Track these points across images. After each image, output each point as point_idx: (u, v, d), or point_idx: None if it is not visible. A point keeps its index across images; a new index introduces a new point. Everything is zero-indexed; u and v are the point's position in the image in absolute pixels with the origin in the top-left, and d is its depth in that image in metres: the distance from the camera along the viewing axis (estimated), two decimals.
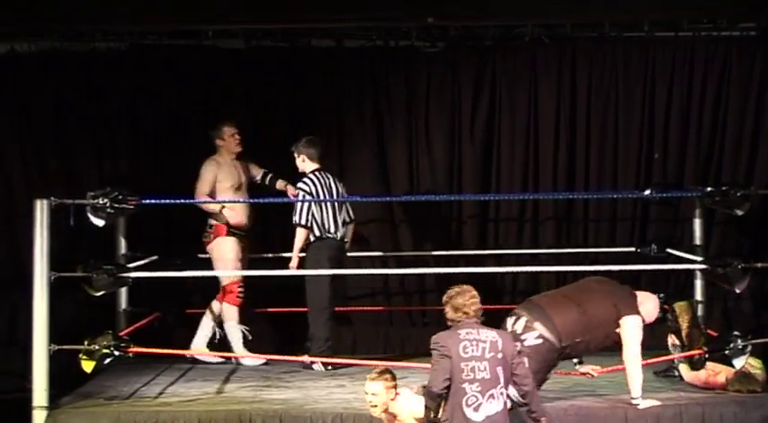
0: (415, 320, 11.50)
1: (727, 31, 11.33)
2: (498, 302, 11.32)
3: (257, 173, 10.60)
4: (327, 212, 9.97)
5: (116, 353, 8.43)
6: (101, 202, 8.64)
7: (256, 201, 10.36)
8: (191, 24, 11.11)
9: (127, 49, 11.37)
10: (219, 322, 10.38)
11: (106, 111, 11.36)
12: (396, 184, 11.46)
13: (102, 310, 10.13)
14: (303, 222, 9.87)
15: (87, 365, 8.42)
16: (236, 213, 10.29)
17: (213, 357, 10.29)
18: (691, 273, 10.47)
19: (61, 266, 8.43)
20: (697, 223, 10.39)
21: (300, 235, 9.91)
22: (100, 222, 8.71)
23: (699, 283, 10.26)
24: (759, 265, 9.10)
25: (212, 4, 10.74)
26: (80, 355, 8.41)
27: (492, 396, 6.95)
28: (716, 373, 8.78)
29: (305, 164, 10.10)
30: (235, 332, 10.29)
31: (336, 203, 10.00)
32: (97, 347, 8.40)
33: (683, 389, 8.90)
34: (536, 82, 11.43)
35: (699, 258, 9.79)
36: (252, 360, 10.22)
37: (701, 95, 11.30)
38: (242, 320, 10.37)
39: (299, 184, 9.99)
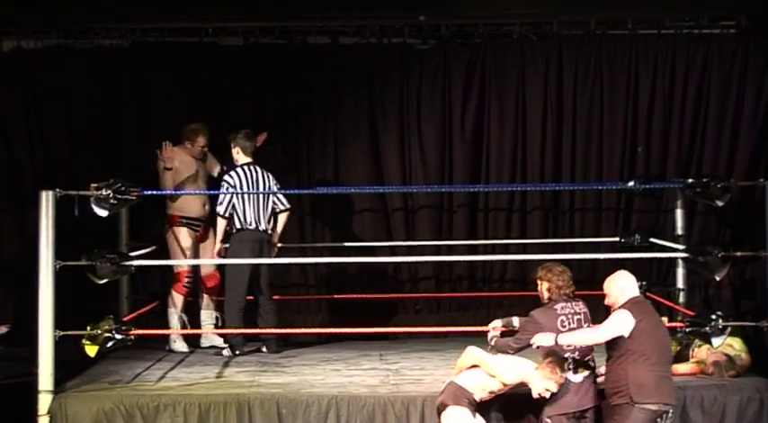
0: (407, 307, 11.45)
1: (708, 29, 11.32)
2: (488, 290, 11.36)
3: (215, 168, 10.52)
4: (249, 206, 9.91)
5: (118, 336, 8.42)
6: (104, 193, 8.59)
7: (205, 193, 10.28)
8: (191, 22, 11.07)
9: (130, 45, 11.33)
10: (184, 310, 10.36)
11: (110, 105, 11.32)
12: (389, 175, 11.41)
13: (105, 298, 10.06)
14: (222, 212, 9.84)
15: (91, 350, 8.41)
16: (188, 204, 10.26)
17: (184, 347, 10.25)
18: (673, 261, 10.47)
19: (66, 255, 8.39)
20: (679, 214, 10.37)
21: (220, 224, 9.86)
22: (103, 213, 8.66)
23: (680, 272, 10.28)
24: (738, 254, 9.12)
25: (212, 3, 10.70)
26: (83, 341, 8.40)
27: (589, 359, 7.69)
28: (699, 367, 8.75)
29: (238, 155, 10.03)
30: (172, 319, 10.27)
31: (262, 198, 9.94)
32: (99, 332, 8.39)
33: None
34: (524, 78, 11.39)
35: (681, 247, 9.80)
36: (182, 345, 10.24)
37: (682, 91, 11.28)
38: (185, 310, 10.36)
39: (225, 177, 9.94)
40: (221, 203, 9.84)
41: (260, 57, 11.39)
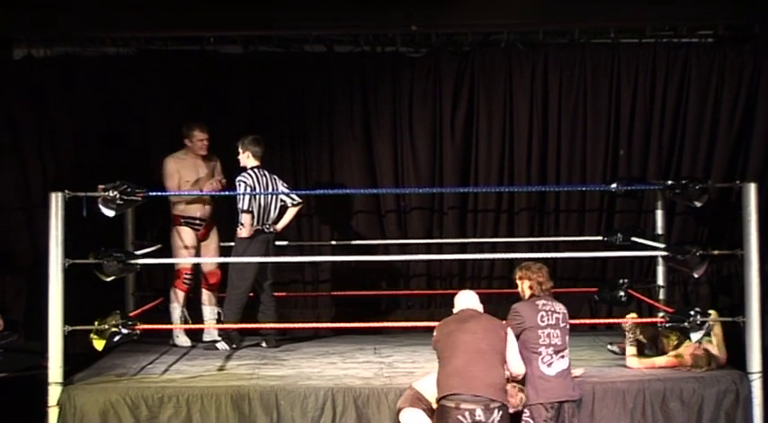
0: (400, 303, 11.51)
1: (687, 38, 11.37)
2: (477, 287, 11.40)
3: (218, 176, 10.47)
4: (260, 207, 9.97)
5: (124, 331, 8.44)
6: (111, 194, 8.63)
7: (204, 193, 10.26)
8: (193, 31, 11.12)
9: (134, 53, 11.37)
10: (185, 305, 10.39)
11: (115, 110, 11.35)
12: (382, 178, 11.45)
13: (112, 295, 10.10)
14: (245, 208, 9.84)
15: (98, 344, 8.43)
16: (190, 205, 10.29)
17: (187, 341, 10.28)
18: (653, 259, 10.50)
19: (74, 254, 8.45)
20: (659, 214, 10.41)
21: (246, 218, 9.86)
22: (110, 213, 8.71)
23: (660, 269, 10.29)
24: (716, 252, 9.14)
25: (214, 13, 10.73)
26: (91, 335, 8.44)
27: (562, 356, 7.73)
28: (677, 360, 8.81)
29: (248, 160, 10.04)
30: (174, 314, 10.30)
31: (271, 200, 9.99)
32: (107, 327, 8.42)
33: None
34: (511, 84, 11.42)
35: (661, 246, 9.83)
36: (185, 339, 10.28)
37: (662, 97, 11.32)
38: (186, 305, 10.39)
39: (239, 177, 9.94)
40: (242, 200, 9.85)
41: (259, 64, 11.43)
